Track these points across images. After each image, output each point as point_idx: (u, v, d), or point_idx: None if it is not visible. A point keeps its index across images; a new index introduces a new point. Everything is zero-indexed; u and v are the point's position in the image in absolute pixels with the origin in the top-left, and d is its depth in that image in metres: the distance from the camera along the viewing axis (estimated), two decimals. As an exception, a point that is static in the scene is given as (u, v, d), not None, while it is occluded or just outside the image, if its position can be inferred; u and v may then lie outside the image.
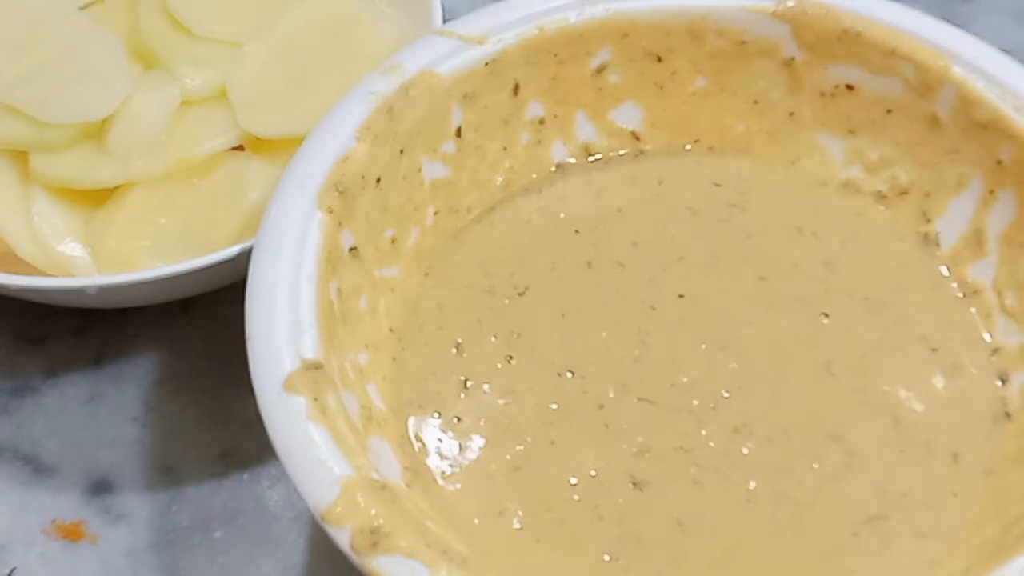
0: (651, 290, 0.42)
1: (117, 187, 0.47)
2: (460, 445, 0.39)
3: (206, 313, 0.50)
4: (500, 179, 0.45)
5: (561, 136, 0.46)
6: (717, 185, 0.45)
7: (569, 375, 0.40)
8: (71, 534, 0.45)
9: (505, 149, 0.45)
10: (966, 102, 0.42)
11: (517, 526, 0.37)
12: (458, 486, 0.38)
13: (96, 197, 0.48)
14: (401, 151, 0.42)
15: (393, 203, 0.42)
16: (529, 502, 0.37)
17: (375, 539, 0.32)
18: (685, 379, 0.40)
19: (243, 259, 0.39)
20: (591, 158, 0.46)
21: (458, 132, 0.44)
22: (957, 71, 0.42)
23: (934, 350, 0.41)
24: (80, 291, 0.45)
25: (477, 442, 0.39)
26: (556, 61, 0.44)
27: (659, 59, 0.45)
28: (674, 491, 0.37)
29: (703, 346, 0.40)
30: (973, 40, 0.43)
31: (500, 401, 0.39)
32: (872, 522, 0.37)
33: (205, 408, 0.48)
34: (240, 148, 0.49)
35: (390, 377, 0.40)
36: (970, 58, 0.42)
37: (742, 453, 0.38)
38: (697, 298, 0.42)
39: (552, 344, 0.41)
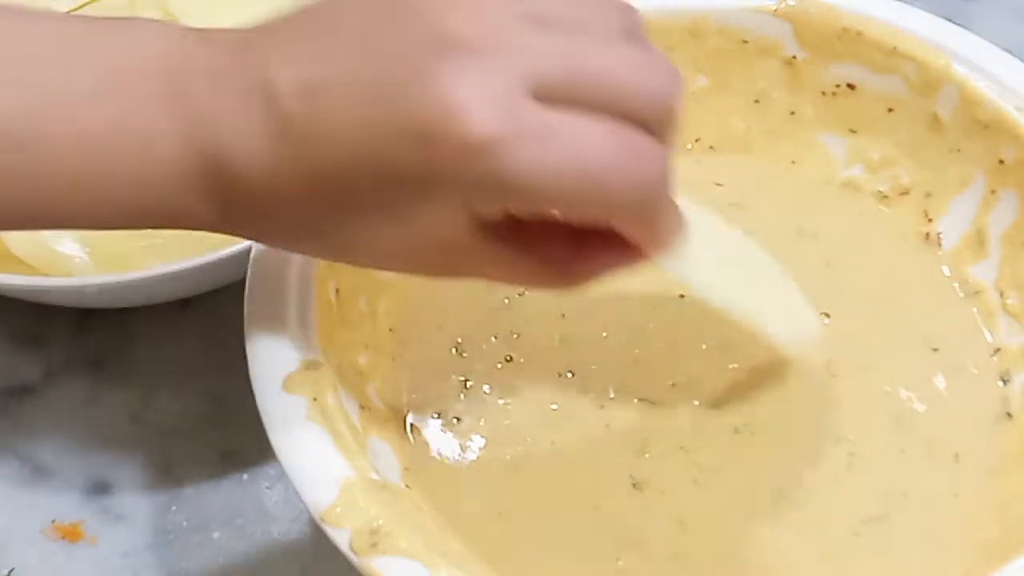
0: (651, 289, 0.42)
1: (116, 186, 0.47)
2: (460, 445, 0.38)
3: (206, 313, 0.50)
4: (500, 178, 0.45)
5: (561, 135, 0.46)
6: (718, 184, 0.45)
7: (569, 375, 0.40)
8: (70, 534, 0.44)
9: (505, 148, 0.45)
10: (968, 101, 0.42)
11: (517, 526, 0.37)
12: (458, 486, 0.38)
13: (95, 196, 0.47)
14: (401, 150, 0.42)
15: (393, 202, 0.42)
16: (529, 502, 0.37)
17: (374, 539, 0.32)
18: (685, 379, 0.40)
19: (243, 259, 0.38)
20: (591, 157, 0.46)
21: (458, 131, 0.43)
22: (958, 70, 0.42)
23: (935, 350, 0.41)
24: (79, 291, 0.45)
25: (477, 442, 0.38)
26: (556, 60, 0.44)
27: (660, 58, 0.45)
28: (674, 491, 0.37)
29: (703, 346, 0.40)
30: (974, 39, 0.43)
31: (500, 401, 0.39)
32: (873, 522, 0.37)
33: (204, 408, 0.48)
34: (239, 147, 0.48)
35: (390, 377, 0.40)
36: (971, 57, 0.42)
37: (743, 453, 0.38)
38: (697, 298, 0.41)
39: (552, 344, 0.41)
